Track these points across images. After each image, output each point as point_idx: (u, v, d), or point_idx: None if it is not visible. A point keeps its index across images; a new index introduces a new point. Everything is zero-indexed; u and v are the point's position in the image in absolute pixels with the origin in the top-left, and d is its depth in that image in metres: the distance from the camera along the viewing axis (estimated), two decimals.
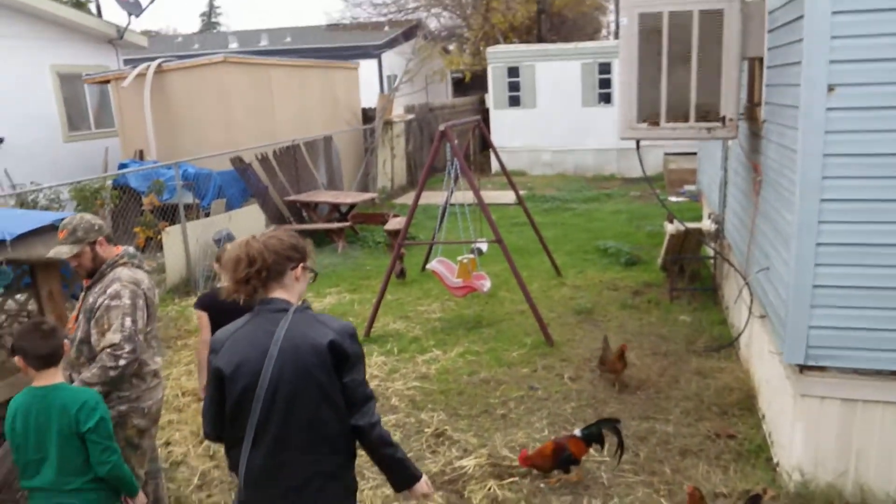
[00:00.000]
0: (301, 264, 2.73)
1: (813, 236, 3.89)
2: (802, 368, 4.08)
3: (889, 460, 4.03)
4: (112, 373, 3.32)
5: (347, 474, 2.75)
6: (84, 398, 3.07)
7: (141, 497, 3.35)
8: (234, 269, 2.63)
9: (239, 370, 2.58)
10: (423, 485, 2.83)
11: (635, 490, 4.41)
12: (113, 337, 3.35)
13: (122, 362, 3.34)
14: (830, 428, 4.09)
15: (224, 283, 2.73)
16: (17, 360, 3.08)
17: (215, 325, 4.08)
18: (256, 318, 2.66)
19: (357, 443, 2.75)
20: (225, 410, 2.64)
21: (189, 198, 10.41)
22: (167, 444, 5.25)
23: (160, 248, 9.33)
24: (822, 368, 4.04)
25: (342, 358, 2.59)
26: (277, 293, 2.67)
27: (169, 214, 9.92)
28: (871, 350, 3.94)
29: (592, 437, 4.58)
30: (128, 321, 3.39)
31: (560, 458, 4.46)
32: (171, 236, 9.00)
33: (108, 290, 3.44)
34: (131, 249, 3.68)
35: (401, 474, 2.81)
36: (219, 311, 4.01)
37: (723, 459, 4.66)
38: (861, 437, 4.06)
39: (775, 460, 4.54)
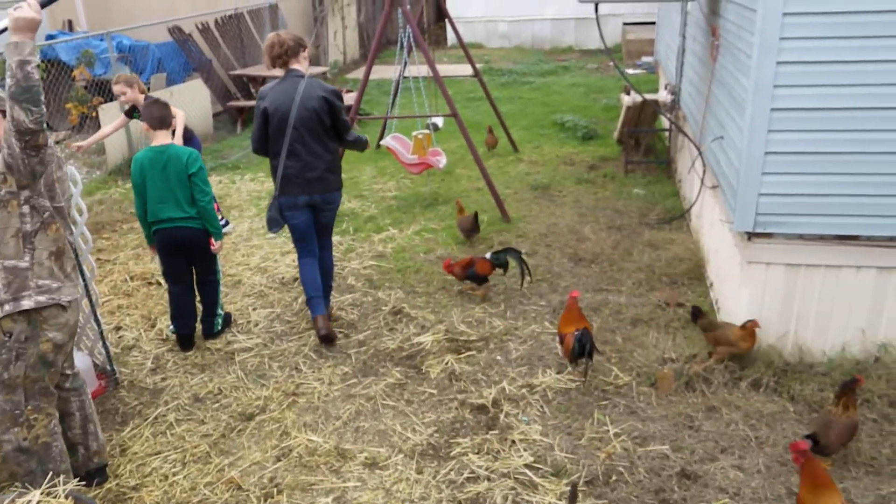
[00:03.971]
0: (305, 48, 4.56)
1: (768, 101, 3.84)
2: (751, 236, 4.14)
3: (826, 321, 4.20)
4: None
5: (338, 171, 4.76)
6: (189, 151, 4.52)
7: (218, 245, 4.65)
8: (270, 51, 4.49)
9: (277, 110, 4.45)
10: (367, 141, 4.93)
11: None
12: None
13: None
14: (774, 293, 4.21)
15: (265, 63, 4.67)
16: (142, 126, 4.63)
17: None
18: (286, 80, 4.51)
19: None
20: (268, 135, 4.53)
21: (126, 72, 9.81)
22: (118, 328, 5.19)
23: (98, 126, 8.86)
24: (769, 235, 4.11)
25: (333, 107, 4.52)
26: (296, 66, 4.53)
27: (105, 91, 9.37)
28: (816, 216, 4.00)
29: (498, 261, 5.35)
30: None
31: (468, 271, 5.32)
32: (107, 113, 8.53)
33: None
34: None
35: (360, 145, 4.84)
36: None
37: (672, 327, 4.80)
38: (802, 300, 4.19)
39: None
